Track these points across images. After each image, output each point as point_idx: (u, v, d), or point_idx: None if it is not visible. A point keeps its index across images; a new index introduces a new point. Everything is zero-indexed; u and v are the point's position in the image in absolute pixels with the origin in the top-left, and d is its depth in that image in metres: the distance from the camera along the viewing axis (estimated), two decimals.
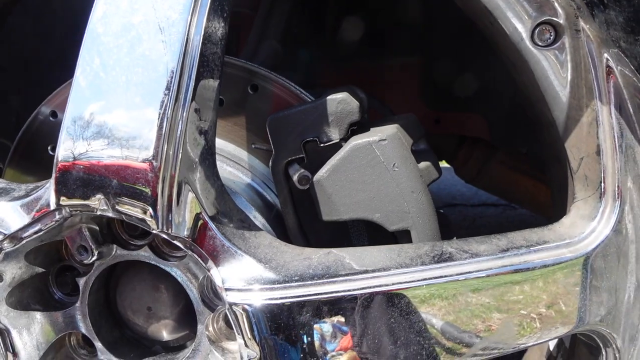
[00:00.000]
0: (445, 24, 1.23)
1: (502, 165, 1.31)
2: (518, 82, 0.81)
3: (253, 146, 0.85)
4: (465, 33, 1.24)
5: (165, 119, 0.62)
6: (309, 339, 0.64)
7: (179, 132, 0.63)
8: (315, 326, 0.64)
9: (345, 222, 0.79)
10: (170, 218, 0.64)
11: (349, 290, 0.63)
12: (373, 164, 0.74)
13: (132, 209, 0.64)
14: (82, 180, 0.64)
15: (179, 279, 0.75)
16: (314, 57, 1.26)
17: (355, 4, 1.29)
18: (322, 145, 0.77)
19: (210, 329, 0.77)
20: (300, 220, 0.81)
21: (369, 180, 0.74)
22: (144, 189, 0.63)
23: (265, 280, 0.65)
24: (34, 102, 1.29)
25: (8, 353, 0.79)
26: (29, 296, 0.80)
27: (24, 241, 0.72)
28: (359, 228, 0.80)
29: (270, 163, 0.80)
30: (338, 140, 0.77)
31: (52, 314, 0.80)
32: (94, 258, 0.74)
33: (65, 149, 0.65)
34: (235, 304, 0.65)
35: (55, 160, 0.65)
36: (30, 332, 0.79)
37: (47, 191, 0.69)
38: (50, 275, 0.82)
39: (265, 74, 0.83)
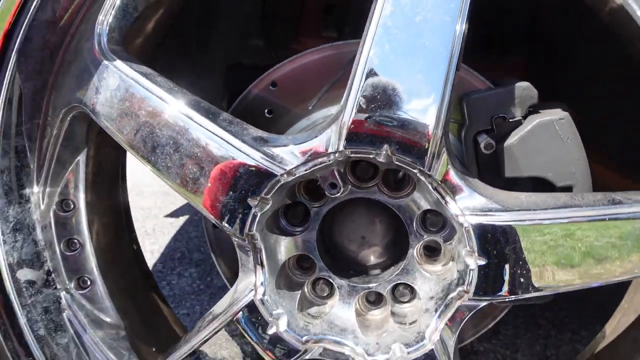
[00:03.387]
0: (552, 25, 1.55)
1: None
2: None
3: None
4: (570, 36, 1.56)
5: (440, 93, 0.94)
6: (526, 253, 0.97)
7: (445, 102, 0.94)
8: (530, 244, 0.97)
9: (517, 180, 1.12)
10: (433, 165, 0.96)
11: (558, 218, 0.96)
12: (553, 136, 1.07)
13: (406, 157, 0.96)
14: (372, 135, 0.95)
15: (400, 214, 1.06)
16: None
17: None
18: (510, 120, 1.10)
19: (415, 254, 1.09)
20: (481, 178, 1.13)
21: (548, 148, 1.07)
22: (420, 143, 0.94)
23: (494, 209, 0.97)
24: None
25: (257, 267, 1.08)
26: (271, 223, 1.09)
27: (294, 177, 1.02)
28: (526, 186, 1.13)
29: (463, 132, 1.12)
30: (520, 118, 1.10)
31: (289, 238, 1.10)
32: (339, 193, 1.05)
33: (356, 109, 0.95)
34: (472, 225, 0.97)
35: (347, 117, 0.95)
36: (273, 251, 1.09)
37: (324, 139, 0.99)
38: (280, 208, 1.11)
39: None
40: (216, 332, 1.09)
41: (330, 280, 1.11)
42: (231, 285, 1.31)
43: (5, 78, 1.12)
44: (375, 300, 1.15)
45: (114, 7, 1.10)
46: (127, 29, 1.14)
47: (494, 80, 1.19)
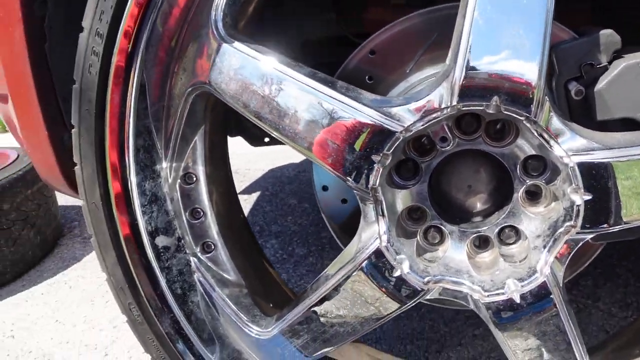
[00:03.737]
0: None
1: None
2: None
3: None
4: None
5: (541, 45, 1.05)
6: (625, 186, 1.08)
7: (545, 53, 1.06)
8: (629, 178, 1.08)
9: (608, 123, 1.23)
10: (538, 113, 1.08)
11: None
12: (639, 77, 1.18)
13: (513, 107, 1.08)
14: (482, 89, 1.07)
15: (504, 161, 1.19)
16: None
17: None
18: (597, 66, 1.21)
19: (519, 198, 1.22)
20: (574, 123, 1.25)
21: (635, 89, 1.18)
22: (526, 93, 1.06)
23: (595, 148, 1.09)
24: None
25: (379, 217, 1.22)
26: (388, 178, 1.22)
27: (411, 132, 1.14)
28: (617, 128, 1.24)
29: (554, 81, 1.24)
30: (606, 64, 1.21)
31: (403, 191, 1.23)
32: (451, 145, 1.17)
33: (465, 67, 1.07)
34: (576, 164, 1.09)
35: (458, 74, 1.07)
36: (391, 203, 1.22)
37: (436, 95, 1.11)
38: (393, 164, 1.24)
39: None
40: (347, 278, 1.23)
41: (442, 227, 1.25)
42: (342, 242, 1.46)
43: (137, 68, 1.26)
44: (480, 244, 1.28)
45: None
46: (235, 13, 1.27)
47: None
